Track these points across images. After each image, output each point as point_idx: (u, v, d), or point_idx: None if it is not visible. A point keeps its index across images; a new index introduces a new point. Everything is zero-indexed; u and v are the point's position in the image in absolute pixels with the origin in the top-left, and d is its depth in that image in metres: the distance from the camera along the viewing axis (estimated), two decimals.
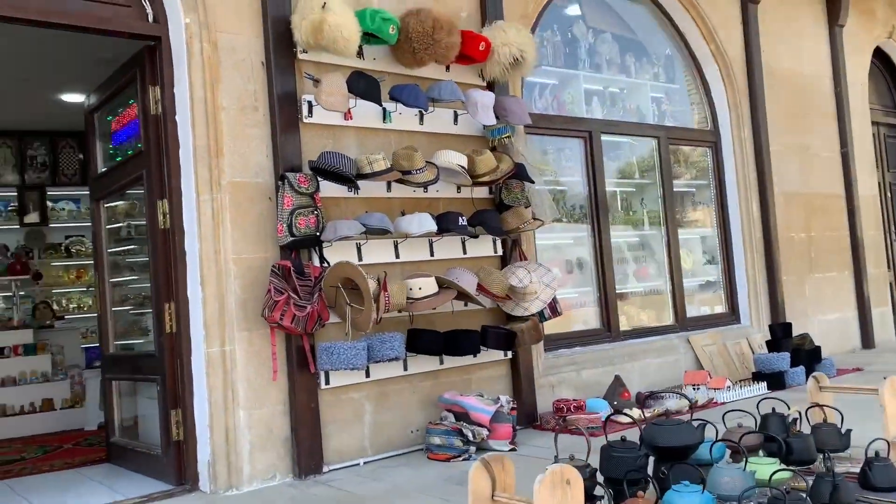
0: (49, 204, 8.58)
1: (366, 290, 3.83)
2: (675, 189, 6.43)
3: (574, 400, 4.74)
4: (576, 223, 5.83)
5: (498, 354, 4.71)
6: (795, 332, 6.34)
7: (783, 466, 2.80)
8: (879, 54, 8.66)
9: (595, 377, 5.33)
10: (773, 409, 3.51)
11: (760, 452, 3.00)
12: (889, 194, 8.82)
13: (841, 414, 3.28)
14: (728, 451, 3.09)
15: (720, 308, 6.61)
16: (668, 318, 6.21)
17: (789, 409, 3.48)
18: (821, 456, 3.15)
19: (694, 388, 5.37)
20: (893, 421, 3.20)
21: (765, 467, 2.80)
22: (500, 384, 4.80)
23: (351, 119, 4.25)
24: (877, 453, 2.95)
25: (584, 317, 5.78)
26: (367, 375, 4.17)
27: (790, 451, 3.03)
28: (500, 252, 4.88)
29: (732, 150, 6.65)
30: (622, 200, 6.20)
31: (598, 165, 5.85)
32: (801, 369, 5.61)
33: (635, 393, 5.29)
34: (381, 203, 4.35)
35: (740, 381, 5.77)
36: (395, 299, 3.97)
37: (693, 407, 4.99)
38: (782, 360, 5.55)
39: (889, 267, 8.42)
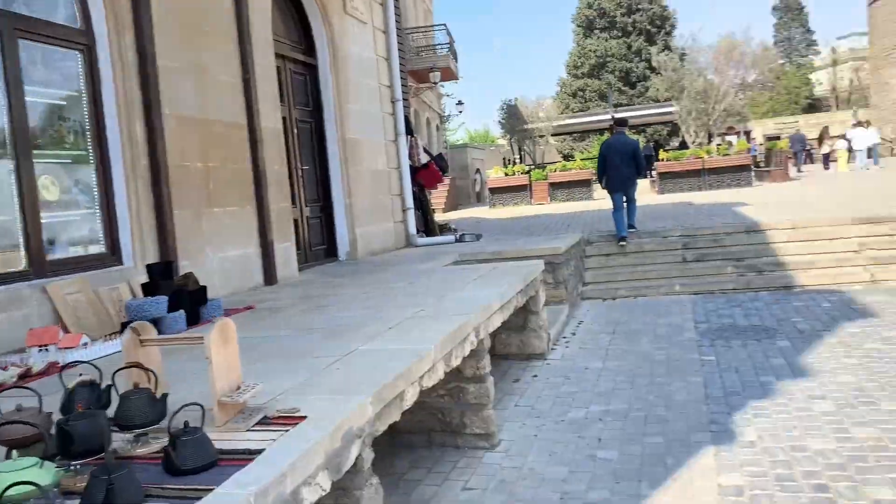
0: None
1: None
2: (31, 100, 5.01)
3: None
4: None
5: None
6: (191, 270, 5.67)
7: (51, 467, 1.88)
8: None
9: None
10: (81, 374, 2.61)
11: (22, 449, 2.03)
12: (296, 130, 8.89)
13: (154, 375, 2.55)
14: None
15: (97, 248, 5.51)
16: (20, 264, 4.85)
17: (101, 374, 2.63)
18: (127, 437, 2.38)
19: (41, 350, 4.20)
20: (221, 375, 2.60)
21: (4, 476, 1.84)
22: None
23: None
24: (186, 423, 2.27)
25: None
26: None
27: (69, 440, 2.15)
28: None
29: (110, 58, 5.52)
30: None
31: None
32: (181, 314, 4.91)
33: None
34: None
35: (111, 334, 4.80)
36: None
37: (27, 376, 3.87)
38: (158, 304, 4.75)
39: (294, 203, 8.50)
